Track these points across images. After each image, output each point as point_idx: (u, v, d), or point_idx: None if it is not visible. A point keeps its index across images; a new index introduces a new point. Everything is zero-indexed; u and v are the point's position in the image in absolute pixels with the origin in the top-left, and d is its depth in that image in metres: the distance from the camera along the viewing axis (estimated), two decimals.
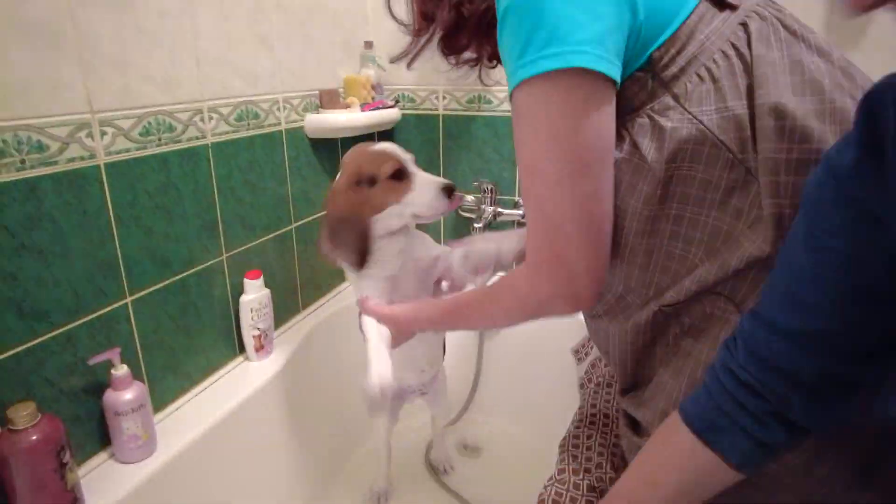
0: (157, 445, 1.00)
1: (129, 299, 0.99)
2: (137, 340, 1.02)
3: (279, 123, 1.34)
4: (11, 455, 0.77)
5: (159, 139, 1.02)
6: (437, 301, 0.92)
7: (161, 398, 1.10)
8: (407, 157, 0.99)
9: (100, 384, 0.95)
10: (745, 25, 0.60)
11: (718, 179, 0.59)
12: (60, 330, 0.88)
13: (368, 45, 1.61)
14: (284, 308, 1.44)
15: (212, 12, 1.11)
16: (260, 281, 1.24)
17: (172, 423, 1.07)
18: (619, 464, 0.93)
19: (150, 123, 1.00)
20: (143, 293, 1.02)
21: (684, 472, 0.58)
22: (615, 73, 0.56)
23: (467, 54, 0.77)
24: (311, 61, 1.43)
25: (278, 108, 1.33)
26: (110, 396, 0.93)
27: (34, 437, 0.78)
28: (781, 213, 0.56)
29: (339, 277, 1.67)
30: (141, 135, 0.98)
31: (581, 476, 0.95)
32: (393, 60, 0.78)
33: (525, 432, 1.67)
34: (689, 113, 0.59)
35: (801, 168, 0.55)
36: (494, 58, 0.78)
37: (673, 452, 0.58)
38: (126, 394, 0.93)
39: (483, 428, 1.69)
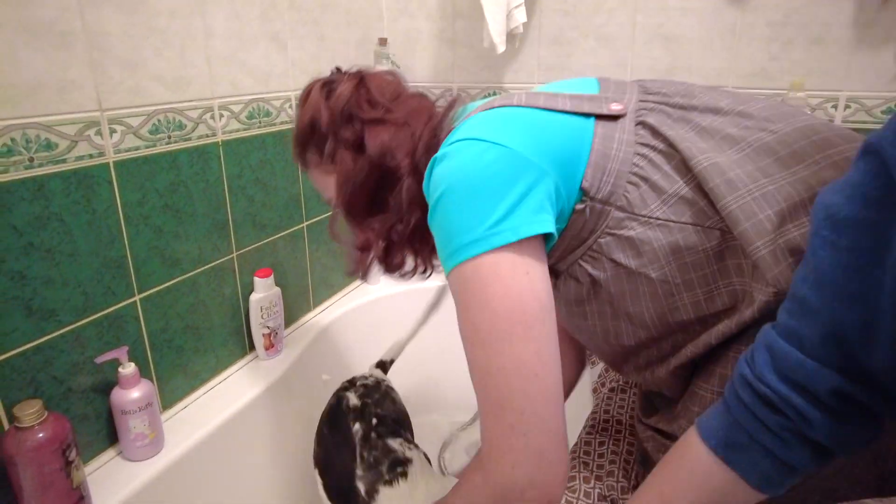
0: (164, 444, 1.00)
1: (137, 298, 1.00)
2: (146, 339, 1.03)
3: (292, 121, 1.33)
4: (18, 453, 0.77)
5: (169, 137, 1.02)
6: None
7: (170, 397, 1.10)
8: None
9: (108, 382, 0.95)
10: (642, 124, 0.65)
11: (705, 253, 0.61)
12: (68, 328, 0.89)
13: (383, 41, 1.59)
14: (296, 307, 1.44)
15: (223, 12, 1.11)
16: (270, 279, 1.24)
17: (180, 422, 1.07)
18: (632, 472, 0.91)
19: (159, 121, 0.99)
20: (151, 292, 1.02)
21: (701, 492, 0.55)
22: (538, 227, 0.58)
23: (408, 266, 0.80)
24: (324, 59, 1.43)
25: (290, 106, 1.32)
26: (117, 395, 0.93)
27: (40, 436, 0.78)
28: (776, 248, 0.57)
29: (352, 277, 1.66)
30: (151, 132, 0.98)
31: (592, 484, 0.93)
32: (350, 274, 0.81)
33: None
34: (642, 216, 0.63)
35: (770, 199, 0.58)
36: (426, 270, 0.83)
37: (689, 471, 0.56)
38: (133, 392, 0.93)
39: None
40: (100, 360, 0.91)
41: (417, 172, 0.71)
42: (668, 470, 0.59)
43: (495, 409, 0.58)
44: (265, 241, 1.29)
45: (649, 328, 0.68)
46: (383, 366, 1.23)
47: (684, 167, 0.62)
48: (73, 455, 0.82)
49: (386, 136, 0.72)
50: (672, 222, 0.61)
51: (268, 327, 1.26)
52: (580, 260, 0.67)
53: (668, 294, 0.64)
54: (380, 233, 0.73)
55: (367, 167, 0.72)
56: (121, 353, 0.93)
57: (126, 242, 0.96)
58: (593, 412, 1.13)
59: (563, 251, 0.68)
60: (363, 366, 1.23)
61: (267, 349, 1.27)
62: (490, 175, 0.58)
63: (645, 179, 0.63)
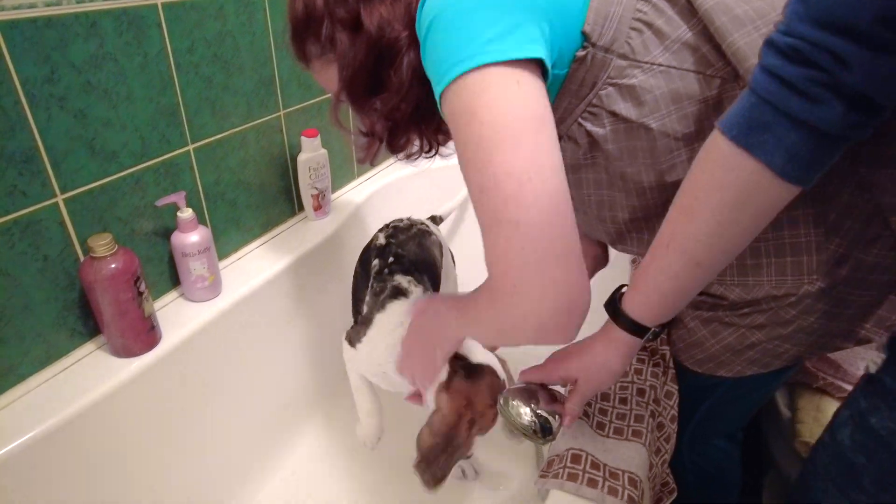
0: (222, 288, 1.07)
1: (191, 147, 1.02)
2: (201, 190, 1.06)
3: None
4: (95, 281, 0.83)
5: None
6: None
7: (225, 248, 1.15)
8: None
9: (167, 228, 1.00)
10: None
11: (705, 103, 0.61)
12: (129, 171, 0.92)
13: None
14: (340, 173, 1.45)
15: None
16: (317, 140, 1.24)
17: (236, 271, 1.13)
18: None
19: None
20: (203, 143, 1.04)
21: (725, 191, 0.51)
22: (528, 51, 0.55)
23: (413, 146, 0.79)
24: None
25: None
26: (177, 238, 0.98)
27: (113, 266, 0.84)
28: None
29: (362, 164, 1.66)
30: None
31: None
32: (360, 161, 0.79)
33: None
34: (645, 63, 0.61)
35: None
36: (431, 150, 0.82)
37: (709, 172, 0.53)
38: (192, 236, 0.98)
39: None
40: (160, 202, 0.95)
41: (417, 44, 0.68)
42: (691, 177, 0.56)
43: (492, 225, 0.54)
44: (311, 101, 1.28)
45: (645, 193, 0.67)
46: (433, 219, 1.25)
47: (689, 11, 0.61)
48: (142, 287, 0.88)
49: (382, 10, 0.69)
50: (674, 69, 0.61)
51: (316, 188, 1.28)
52: (580, 118, 0.66)
53: (666, 150, 0.63)
54: (383, 113, 0.71)
55: (365, 45, 0.69)
56: (179, 197, 0.96)
57: (178, 90, 0.97)
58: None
59: (563, 111, 0.67)
60: None
61: (315, 210, 1.30)
62: (482, 4, 0.55)
63: (648, 25, 0.61)
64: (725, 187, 0.52)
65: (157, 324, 0.94)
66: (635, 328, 0.65)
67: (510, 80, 0.54)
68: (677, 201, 0.58)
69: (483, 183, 0.54)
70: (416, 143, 0.79)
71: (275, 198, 1.25)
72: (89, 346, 0.92)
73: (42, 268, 0.83)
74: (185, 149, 1.01)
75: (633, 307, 0.64)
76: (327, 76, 0.78)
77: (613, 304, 0.67)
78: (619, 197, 0.70)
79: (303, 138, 1.23)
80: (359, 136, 0.77)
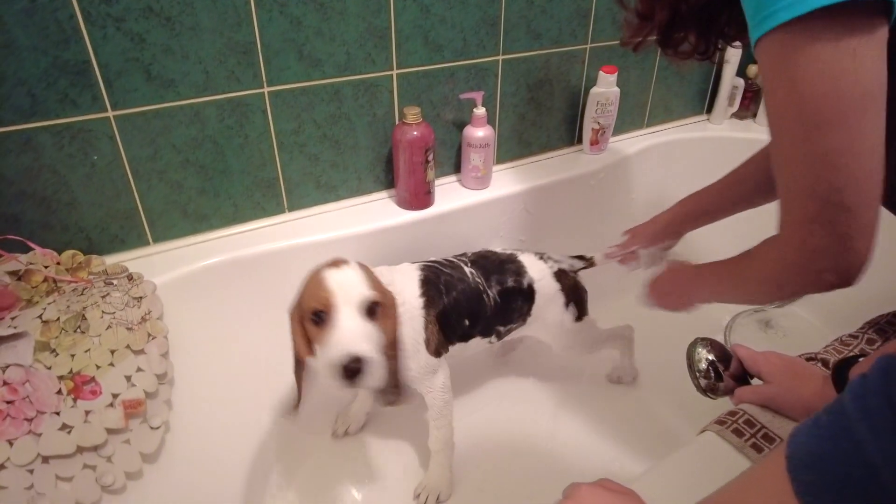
0: (491, 183, 1.23)
1: (500, 57, 1.18)
2: (498, 97, 1.23)
3: None
4: (400, 140, 1.07)
5: None
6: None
7: (503, 155, 1.31)
8: (347, 294, 0.76)
9: (463, 122, 1.19)
10: None
11: None
12: (448, 64, 1.12)
13: None
14: (629, 119, 1.48)
15: None
16: (613, 77, 1.30)
17: (505, 177, 1.28)
18: None
19: None
20: (512, 56, 1.19)
21: None
22: None
23: (684, 47, 0.70)
24: None
25: None
26: (468, 130, 1.17)
27: (415, 133, 1.06)
28: None
29: (692, 108, 1.61)
30: None
31: (877, 346, 0.84)
32: (623, 44, 0.74)
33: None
34: None
35: None
36: (707, 52, 0.71)
37: None
38: (479, 131, 1.16)
39: (795, 323, 1.52)
40: (463, 96, 1.14)
41: None
42: None
43: (798, 198, 0.54)
44: (618, 40, 1.33)
45: None
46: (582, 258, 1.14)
47: None
48: (430, 157, 1.09)
49: None
50: None
51: (598, 123, 1.35)
52: None
53: None
54: (668, 2, 0.66)
55: None
56: (478, 95, 1.14)
57: (503, 4, 1.13)
58: None
59: None
60: (670, 196, 1.24)
61: (592, 144, 1.38)
62: None
63: None
64: None
65: (433, 192, 1.15)
66: None
67: (845, 49, 0.47)
68: None
69: (795, 157, 0.53)
70: (692, 41, 0.72)
71: (558, 124, 1.36)
72: (384, 194, 1.18)
73: (371, 121, 1.09)
74: (496, 57, 1.18)
75: None
76: None
77: (842, 371, 0.65)
78: None
79: (601, 73, 1.30)
80: (633, 15, 0.73)
